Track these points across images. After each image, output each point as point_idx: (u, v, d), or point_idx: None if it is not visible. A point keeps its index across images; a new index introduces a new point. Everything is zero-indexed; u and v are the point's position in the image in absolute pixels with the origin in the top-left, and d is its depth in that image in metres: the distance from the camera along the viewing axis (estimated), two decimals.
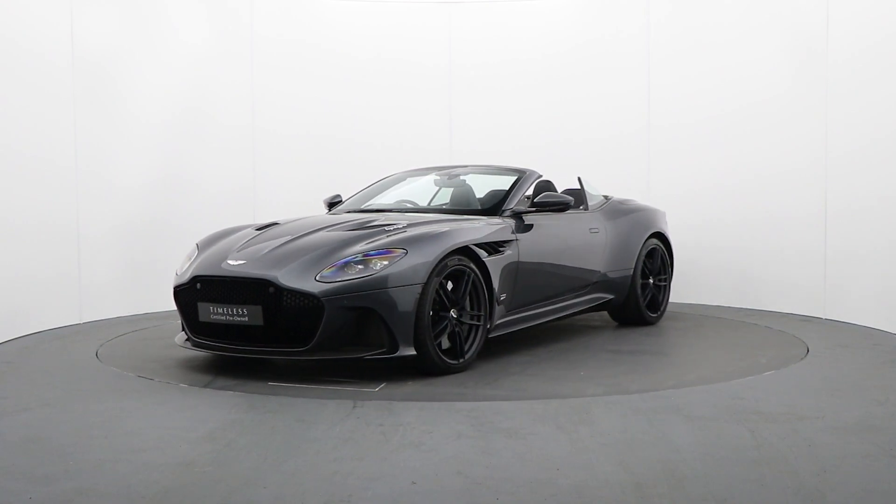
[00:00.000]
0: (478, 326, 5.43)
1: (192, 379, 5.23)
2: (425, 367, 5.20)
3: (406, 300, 5.00)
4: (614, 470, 3.56)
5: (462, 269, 5.31)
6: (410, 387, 5.01)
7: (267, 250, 5.37)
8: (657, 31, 8.55)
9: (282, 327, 5.07)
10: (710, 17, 8.29)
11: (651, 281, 7.22)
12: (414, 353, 5.06)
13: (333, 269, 5.07)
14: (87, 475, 3.52)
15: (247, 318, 5.12)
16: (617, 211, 7.07)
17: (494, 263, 5.55)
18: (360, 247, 5.22)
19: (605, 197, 7.25)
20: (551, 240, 6.22)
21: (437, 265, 5.14)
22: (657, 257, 7.29)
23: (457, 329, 5.30)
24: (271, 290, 5.06)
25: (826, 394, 4.88)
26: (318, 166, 8.76)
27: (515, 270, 5.78)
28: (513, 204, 6.17)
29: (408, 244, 5.17)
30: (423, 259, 5.10)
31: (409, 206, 6.63)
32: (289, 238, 5.52)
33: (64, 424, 4.27)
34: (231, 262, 5.36)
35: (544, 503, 3.22)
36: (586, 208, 6.84)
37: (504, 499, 3.26)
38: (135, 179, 7.81)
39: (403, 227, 5.49)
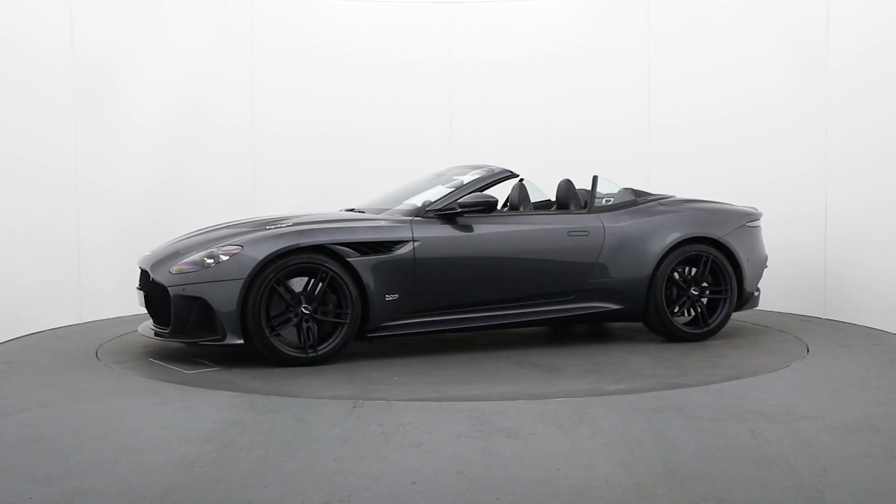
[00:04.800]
0: (343, 324, 5.65)
1: (192, 379, 5.24)
2: (268, 357, 5.56)
3: (230, 293, 5.47)
4: (614, 470, 3.56)
5: (315, 267, 5.55)
6: (232, 374, 5.38)
7: (168, 244, 6.22)
8: (657, 31, 8.55)
9: (157, 312, 5.85)
10: (709, 19, 8.29)
11: (694, 292, 6.46)
12: (241, 341, 5.49)
13: (187, 262, 5.68)
14: (87, 475, 3.52)
15: (141, 303, 6.08)
16: (639, 212, 6.49)
17: (364, 263, 5.67)
18: (210, 244, 5.81)
19: (639, 195, 6.74)
20: (489, 242, 6.04)
21: (268, 262, 5.50)
22: (704, 265, 6.47)
23: (307, 325, 5.55)
24: (151, 279, 5.84)
25: (826, 394, 4.88)
26: (319, 166, 8.75)
27: (412, 271, 5.80)
28: (441, 205, 6.05)
29: (246, 242, 5.62)
30: (252, 256, 5.52)
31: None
32: (191, 235, 6.28)
33: (64, 424, 4.27)
34: (146, 254, 6.25)
35: (544, 503, 3.22)
36: (587, 209, 6.48)
37: (504, 499, 3.26)
38: (135, 180, 7.81)
39: (287, 225, 5.84)
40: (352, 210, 6.67)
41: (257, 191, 8.55)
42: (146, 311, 6.07)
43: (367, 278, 5.66)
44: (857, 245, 7.12)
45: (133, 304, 7.20)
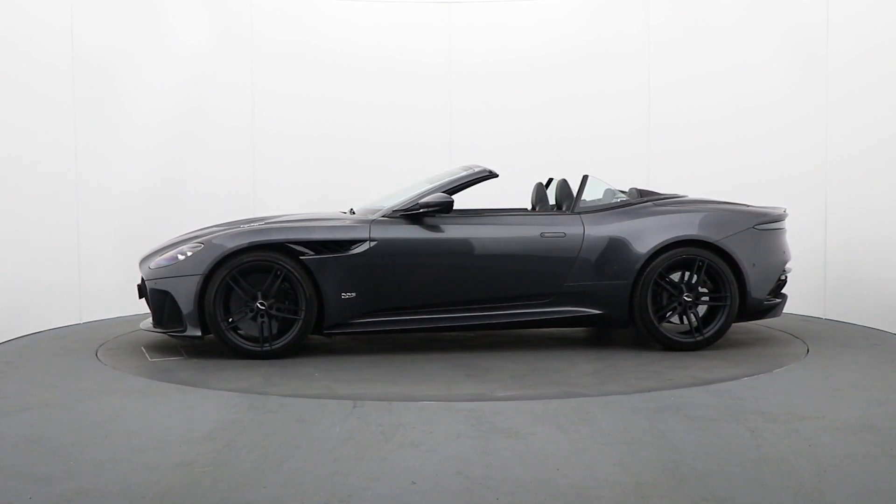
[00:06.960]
0: (298, 320, 5.83)
1: (192, 379, 5.24)
2: (225, 349, 5.85)
3: (188, 287, 5.78)
4: (614, 470, 3.56)
5: (269, 264, 5.78)
6: (187, 364, 5.72)
7: (164, 243, 6.49)
8: (657, 31, 8.55)
9: (148, 304, 6.15)
10: (709, 19, 8.28)
11: (687, 298, 6.08)
12: (199, 333, 5.80)
13: (164, 258, 6.01)
14: (87, 475, 3.52)
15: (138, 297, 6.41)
16: (627, 213, 6.19)
17: (318, 261, 5.82)
18: (187, 242, 6.12)
19: (645, 195, 6.43)
20: (453, 243, 6.03)
21: (222, 259, 5.76)
22: (698, 269, 6.08)
23: (262, 320, 5.79)
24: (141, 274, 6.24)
25: (826, 394, 4.88)
26: (319, 166, 8.75)
27: (369, 271, 5.88)
28: (405, 205, 6.08)
29: (208, 240, 5.91)
30: (209, 253, 5.80)
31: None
32: (187, 234, 6.57)
33: (64, 424, 4.28)
34: (148, 250, 6.59)
35: (544, 503, 3.22)
36: (570, 210, 6.28)
37: (504, 499, 3.26)
38: (135, 180, 7.81)
39: (257, 225, 6.11)
40: (350, 211, 6.70)
41: (257, 191, 8.55)
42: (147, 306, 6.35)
43: (322, 276, 5.82)
44: (857, 245, 7.12)
45: (133, 304, 7.23)
